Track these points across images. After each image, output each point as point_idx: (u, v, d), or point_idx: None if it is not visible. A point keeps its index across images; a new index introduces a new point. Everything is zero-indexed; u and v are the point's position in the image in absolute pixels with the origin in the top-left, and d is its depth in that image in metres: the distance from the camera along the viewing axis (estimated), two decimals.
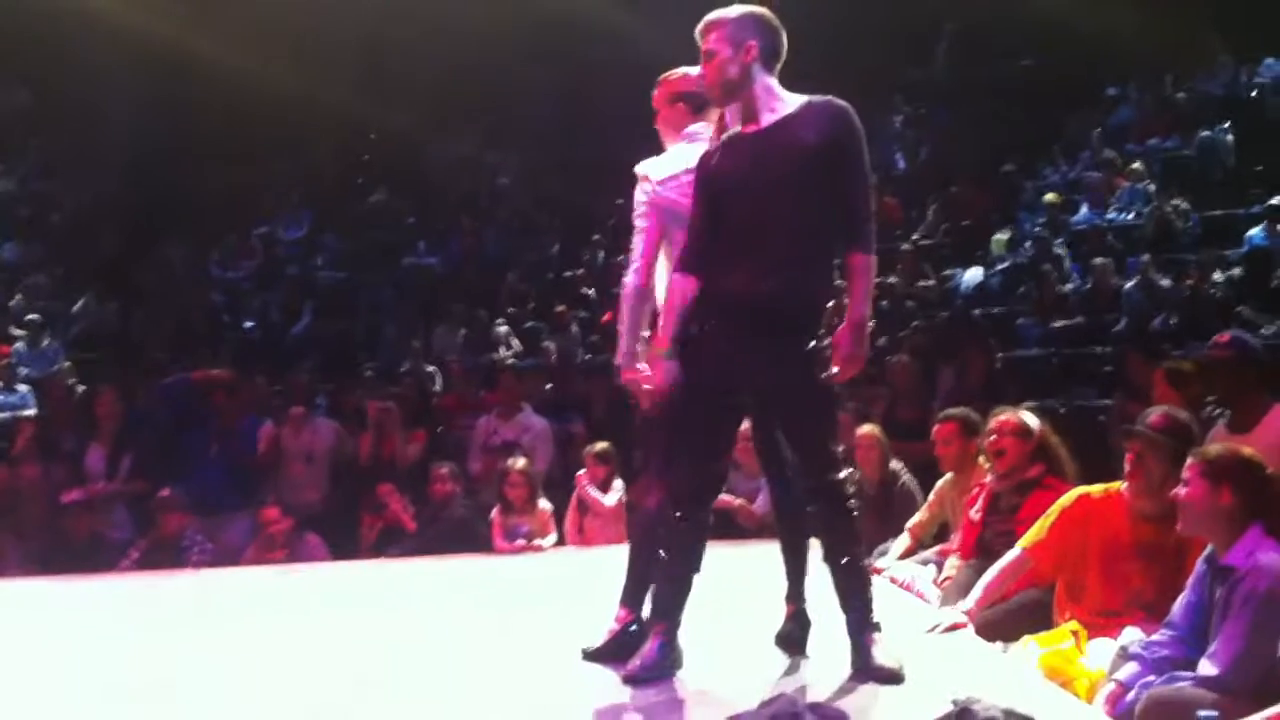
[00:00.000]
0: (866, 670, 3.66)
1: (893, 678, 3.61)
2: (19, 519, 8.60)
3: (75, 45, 15.37)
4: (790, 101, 3.88)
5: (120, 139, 15.91)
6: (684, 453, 3.84)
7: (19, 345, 11.95)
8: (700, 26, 3.90)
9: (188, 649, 4.83)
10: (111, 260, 14.64)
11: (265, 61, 14.65)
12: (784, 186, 3.76)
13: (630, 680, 3.72)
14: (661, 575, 3.89)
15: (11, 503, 8.70)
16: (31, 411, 10.41)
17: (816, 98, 3.89)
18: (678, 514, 3.82)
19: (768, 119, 3.85)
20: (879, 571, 5.58)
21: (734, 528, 7.15)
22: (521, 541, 7.59)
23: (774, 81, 3.89)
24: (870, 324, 3.75)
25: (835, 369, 3.72)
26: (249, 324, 13.47)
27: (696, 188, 3.91)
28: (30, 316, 12.40)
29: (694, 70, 4.18)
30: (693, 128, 4.28)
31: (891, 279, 12.13)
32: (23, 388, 10.94)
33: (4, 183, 16.57)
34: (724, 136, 4.03)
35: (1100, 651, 4.08)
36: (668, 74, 4.40)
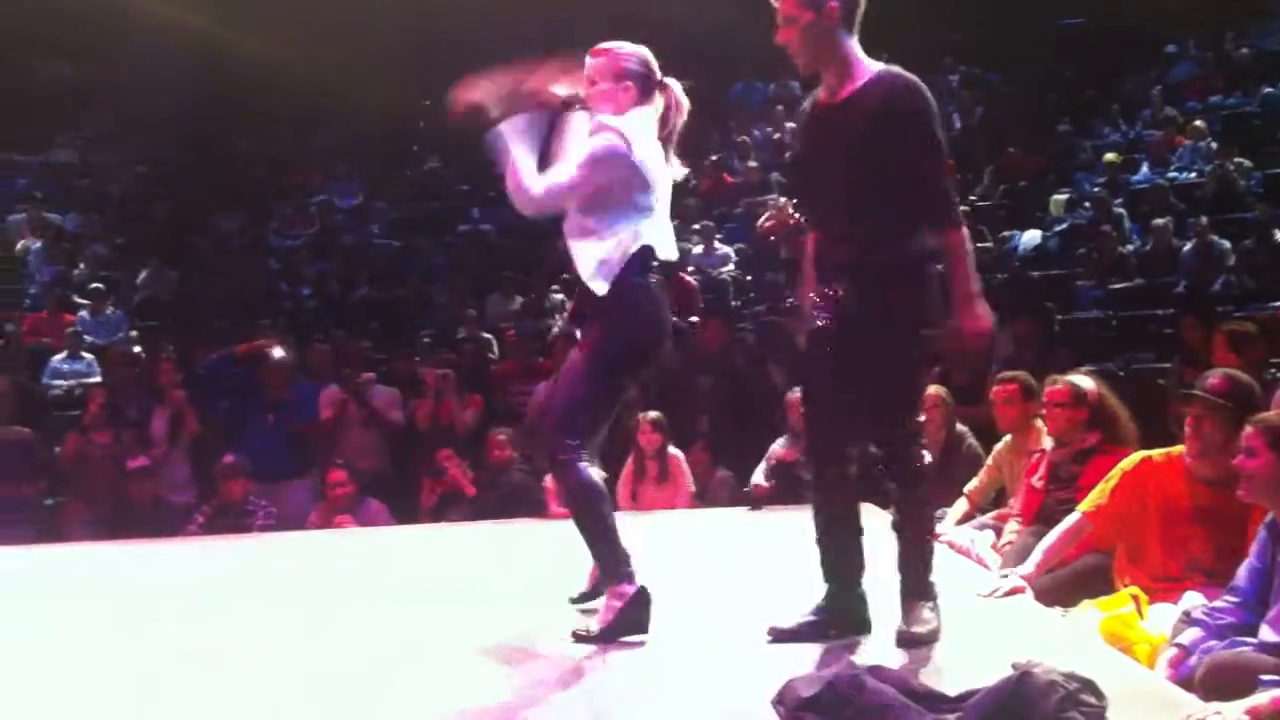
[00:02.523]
0: (898, 636, 3.69)
1: (915, 644, 3.63)
2: (87, 485, 8.80)
3: (129, 17, 15.53)
4: (865, 71, 3.74)
5: (175, 109, 16.06)
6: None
7: (83, 314, 12.14)
8: None
9: (257, 611, 4.93)
10: (169, 230, 14.82)
11: (320, 30, 14.74)
12: (854, 164, 3.70)
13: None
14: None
15: (80, 469, 8.90)
16: (96, 379, 10.59)
17: (887, 70, 3.75)
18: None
19: (846, 91, 3.73)
20: (937, 536, 5.58)
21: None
22: None
23: (855, 45, 3.75)
24: (981, 298, 3.73)
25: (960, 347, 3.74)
26: (306, 291, 13.60)
27: (791, 162, 3.91)
28: (93, 285, 12.59)
29: (633, 47, 4.09)
30: (637, 112, 4.04)
31: None
32: (88, 356, 11.12)
33: (64, 154, 16.80)
34: (806, 105, 3.93)
35: (1160, 616, 4.07)
36: (609, 46, 4.11)
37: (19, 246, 14.37)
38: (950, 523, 6.01)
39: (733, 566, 5.55)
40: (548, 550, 6.42)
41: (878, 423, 3.79)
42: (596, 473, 4.02)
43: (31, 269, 13.91)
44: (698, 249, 13.62)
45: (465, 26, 16.12)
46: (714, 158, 16.14)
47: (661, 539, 6.77)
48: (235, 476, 8.07)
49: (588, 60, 4.13)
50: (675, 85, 4.18)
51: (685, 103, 4.20)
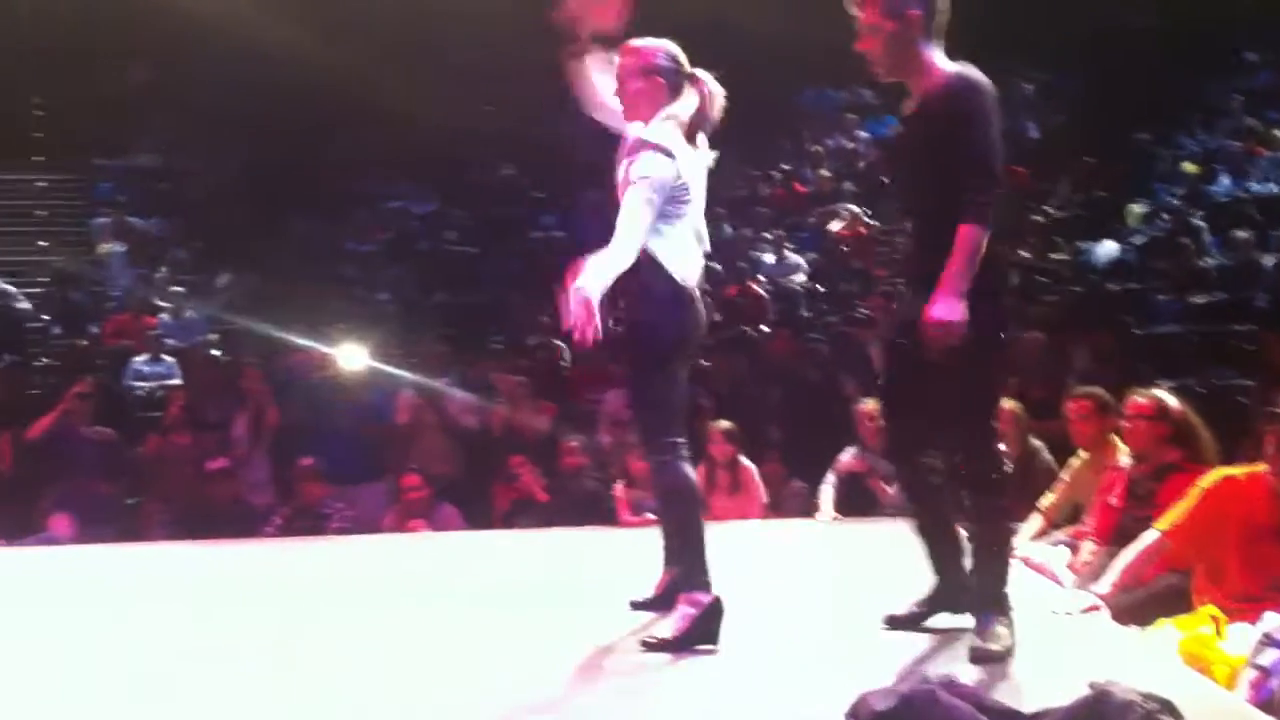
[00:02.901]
0: (971, 651, 3.67)
1: (989, 660, 3.61)
2: (166, 485, 8.97)
3: (212, 22, 15.82)
4: (939, 76, 3.74)
5: (256, 114, 16.32)
6: None
7: (164, 317, 12.38)
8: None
9: (328, 611, 5.00)
10: (246, 234, 15.06)
11: (397, 37, 14.92)
12: (922, 173, 3.75)
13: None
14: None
15: (159, 470, 9.08)
16: (177, 381, 10.80)
17: (956, 72, 3.73)
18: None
19: (921, 99, 3.77)
20: (1014, 550, 5.55)
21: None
22: (649, 515, 7.67)
23: (935, 53, 3.76)
24: (961, 297, 3.55)
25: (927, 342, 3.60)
26: (383, 296, 13.76)
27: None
28: (174, 289, 12.82)
29: (659, 42, 4.12)
30: (672, 109, 4.07)
31: (1022, 251, 11.96)
32: (168, 359, 11.33)
33: (147, 158, 17.13)
34: (903, 113, 3.95)
35: (1240, 637, 4.02)
36: (637, 43, 4.15)
37: (102, 250, 14.70)
38: (1024, 538, 5.97)
39: (803, 577, 5.55)
40: (617, 557, 6.47)
41: (956, 430, 3.79)
42: (692, 474, 4.05)
43: (114, 272, 14.22)
44: (769, 258, 13.62)
45: (534, 35, 16.28)
46: (785, 167, 16.13)
47: (733, 549, 6.79)
48: (312, 479, 8.19)
49: (616, 60, 4.17)
50: (706, 76, 4.17)
51: (719, 92, 4.18)
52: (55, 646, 4.47)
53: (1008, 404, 6.90)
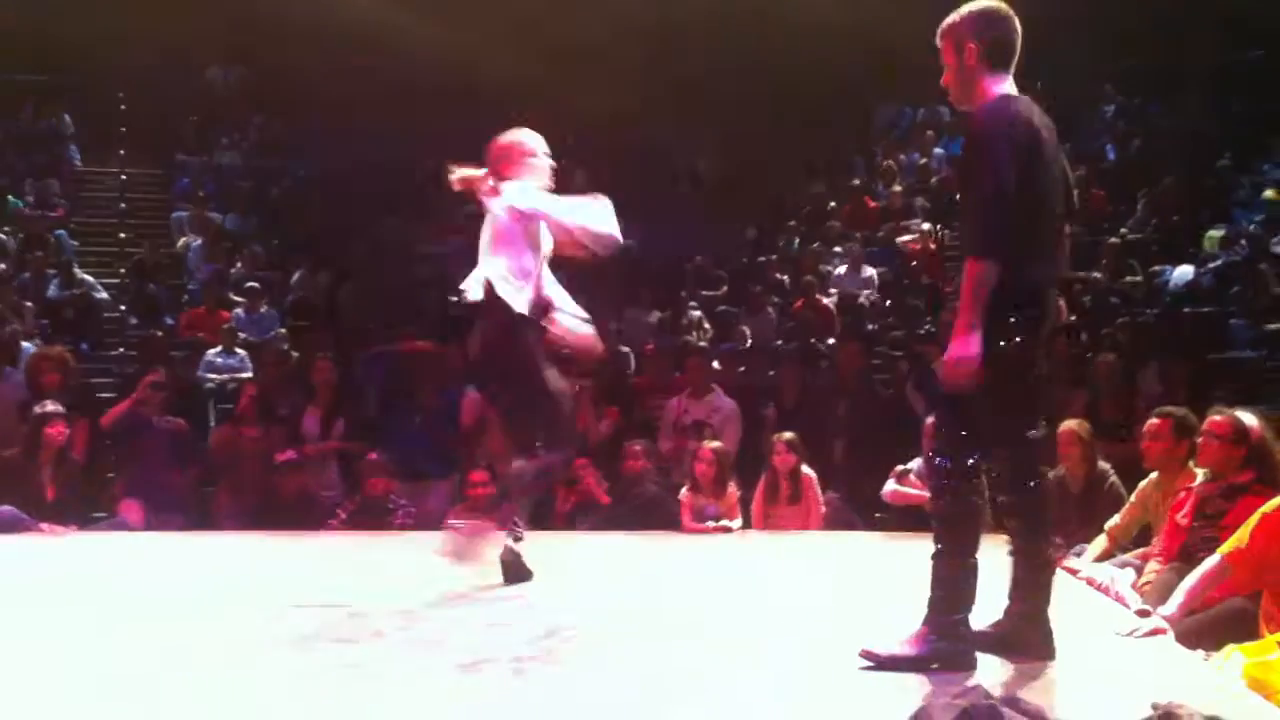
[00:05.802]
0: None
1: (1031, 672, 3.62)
2: (237, 477, 9.10)
3: (295, 24, 16.08)
4: (977, 105, 3.79)
5: (335, 116, 16.56)
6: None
7: (238, 311, 12.57)
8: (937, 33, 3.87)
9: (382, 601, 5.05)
10: (323, 233, 15.26)
11: (485, 37, 15.07)
12: (959, 201, 3.86)
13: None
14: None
15: (231, 461, 9.22)
16: (248, 374, 10.96)
17: (985, 101, 3.75)
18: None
19: (965, 127, 3.87)
20: (1075, 572, 5.51)
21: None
22: (711, 523, 7.69)
23: (998, 83, 3.78)
24: (971, 331, 3.57)
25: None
26: (455, 298, 13.86)
27: None
28: (249, 284, 13.02)
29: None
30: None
31: (1095, 274, 11.85)
32: (241, 352, 11.51)
33: (229, 156, 17.43)
34: None
35: None
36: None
37: (180, 243, 14.97)
38: (1088, 559, 5.91)
39: (860, 588, 5.53)
40: (676, 561, 6.50)
41: (996, 441, 3.79)
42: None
43: (191, 266, 14.47)
44: (840, 270, 13.59)
45: (617, 43, 16.39)
46: (856, 182, 16.10)
47: (792, 559, 6.79)
48: (378, 474, 8.29)
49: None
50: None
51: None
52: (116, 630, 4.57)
53: (1072, 424, 6.86)
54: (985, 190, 3.62)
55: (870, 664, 3.72)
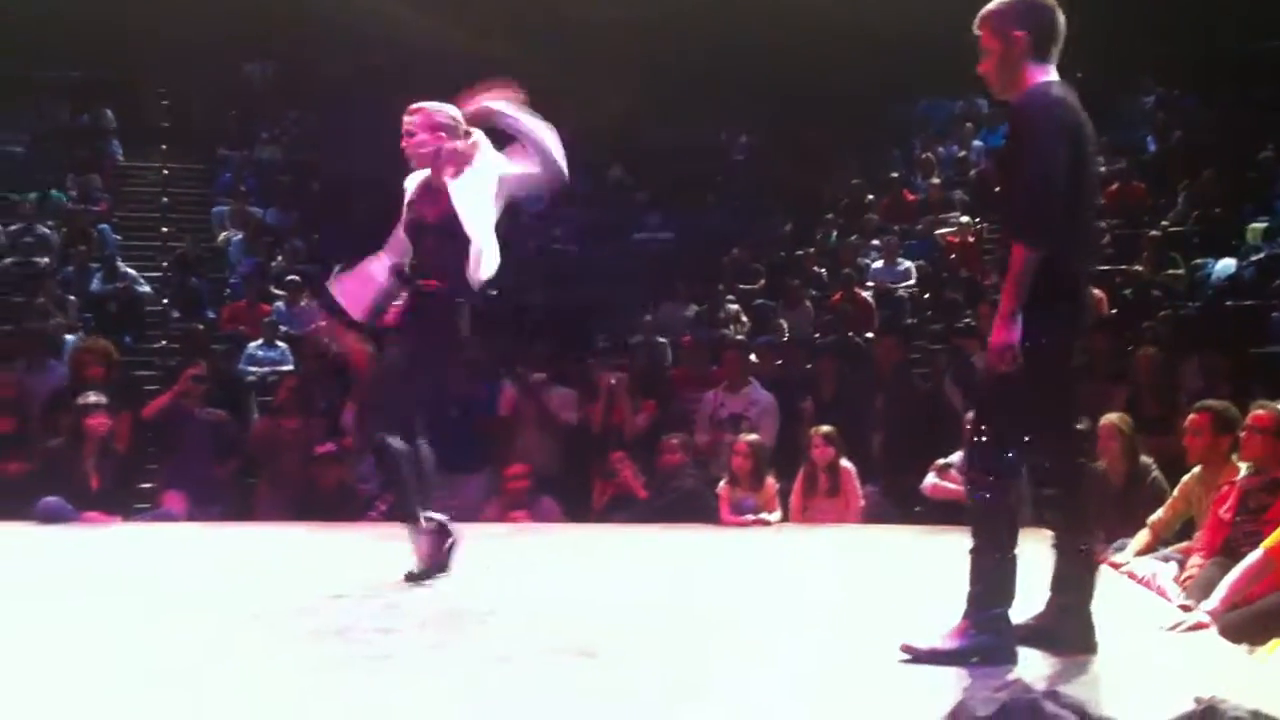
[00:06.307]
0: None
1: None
2: (277, 469, 9.17)
3: (334, 21, 16.17)
4: (1021, 93, 3.76)
5: (373, 110, 16.62)
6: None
7: (279, 305, 12.66)
8: (975, 21, 3.82)
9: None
10: (362, 226, 15.31)
11: (531, 32, 15.11)
12: (1002, 189, 3.83)
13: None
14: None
15: (270, 453, 9.29)
16: (289, 367, 11.04)
17: (1029, 89, 3.73)
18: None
19: (1008, 115, 3.84)
20: (1118, 566, 5.48)
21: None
22: (750, 516, 7.68)
23: (1040, 71, 3.75)
24: (1012, 318, 3.56)
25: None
26: (491, 292, 13.90)
27: None
28: (290, 278, 13.11)
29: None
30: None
31: (1136, 267, 11.75)
32: (282, 345, 11.59)
33: (269, 150, 17.55)
34: None
35: None
36: (423, 105, 5.33)
37: (221, 238, 15.09)
38: (1131, 553, 5.87)
39: (899, 582, 5.52)
40: (716, 558, 6.51)
41: (1037, 435, 3.78)
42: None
43: (232, 259, 14.59)
44: (878, 264, 13.54)
45: (649, 38, 16.40)
46: (894, 175, 16.03)
47: (830, 552, 6.78)
48: None
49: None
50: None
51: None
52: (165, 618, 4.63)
53: (1113, 418, 6.81)
54: (1033, 177, 3.60)
55: (909, 658, 3.72)
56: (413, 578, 5.09)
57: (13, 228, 14.25)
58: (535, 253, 14.96)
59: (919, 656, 3.71)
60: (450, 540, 5.23)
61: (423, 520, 5.18)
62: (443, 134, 5.25)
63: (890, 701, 3.41)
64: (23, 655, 3.91)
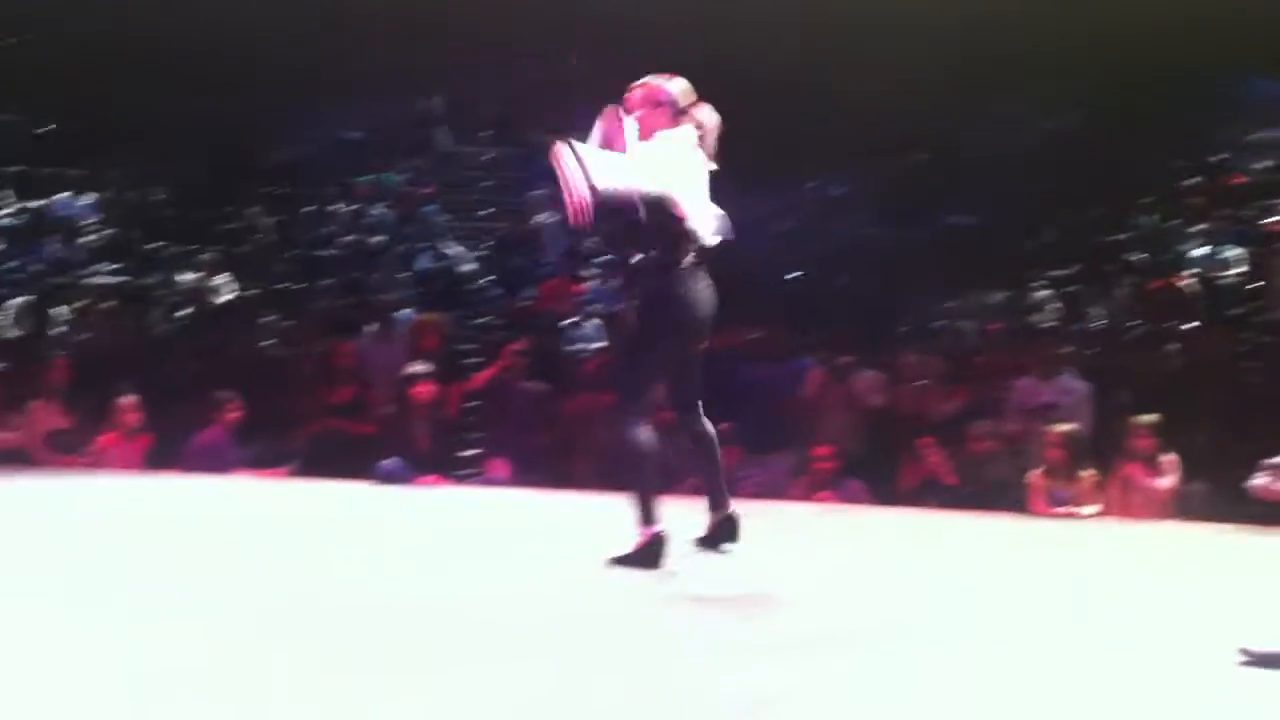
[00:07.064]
0: None
1: None
2: (590, 441, 9.59)
3: (635, 10, 16.56)
4: None
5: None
6: None
7: (593, 284, 13.15)
8: None
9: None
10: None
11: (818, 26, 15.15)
12: None
13: None
14: None
15: (584, 426, 9.72)
16: (602, 344, 11.49)
17: None
18: None
19: None
20: None
21: None
22: (1063, 508, 7.55)
23: None
24: None
25: None
26: (793, 275, 14.06)
27: None
28: (601, 258, 13.57)
29: (664, 80, 5.17)
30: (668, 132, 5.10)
31: None
32: (595, 321, 12.06)
33: (579, 136, 18.11)
34: None
35: None
36: (647, 80, 5.21)
37: (537, 220, 15.75)
38: None
39: (1221, 584, 5.33)
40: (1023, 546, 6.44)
41: None
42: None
43: (547, 241, 15.22)
44: (1199, 251, 12.92)
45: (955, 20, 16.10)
46: (1219, 157, 15.20)
47: (1146, 549, 6.58)
48: (726, 445, 8.54)
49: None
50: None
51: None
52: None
53: None
54: None
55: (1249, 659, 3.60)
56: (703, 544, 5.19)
57: (352, 208, 15.33)
58: (842, 237, 14.98)
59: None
60: (663, 548, 4.82)
61: (654, 524, 4.84)
62: (651, 108, 5.17)
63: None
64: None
